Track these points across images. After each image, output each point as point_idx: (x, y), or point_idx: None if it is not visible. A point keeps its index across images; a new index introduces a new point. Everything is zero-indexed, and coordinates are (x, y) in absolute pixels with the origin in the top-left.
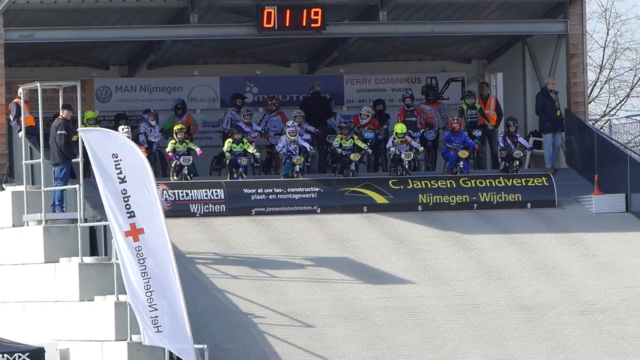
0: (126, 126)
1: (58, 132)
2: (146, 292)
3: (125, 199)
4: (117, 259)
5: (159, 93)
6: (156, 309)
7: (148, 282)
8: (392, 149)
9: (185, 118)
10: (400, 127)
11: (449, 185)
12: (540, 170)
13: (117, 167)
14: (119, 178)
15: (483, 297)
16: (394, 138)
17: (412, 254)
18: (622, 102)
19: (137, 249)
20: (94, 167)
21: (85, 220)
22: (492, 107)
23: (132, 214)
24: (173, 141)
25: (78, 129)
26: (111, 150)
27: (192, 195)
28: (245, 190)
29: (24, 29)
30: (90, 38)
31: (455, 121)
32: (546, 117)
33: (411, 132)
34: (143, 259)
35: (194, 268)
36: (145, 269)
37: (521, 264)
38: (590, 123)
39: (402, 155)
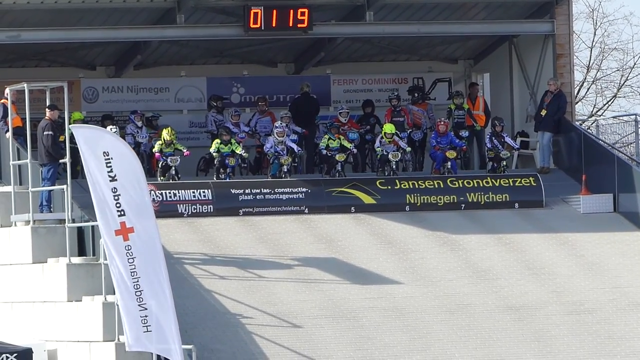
0: (114, 126)
1: (45, 133)
2: (136, 292)
3: (116, 197)
4: (105, 259)
5: (146, 94)
6: (145, 309)
7: (137, 281)
8: (379, 149)
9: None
10: (389, 127)
11: (436, 186)
12: (529, 170)
13: (108, 165)
14: (110, 176)
15: (471, 297)
16: (382, 138)
17: (400, 254)
18: (609, 103)
19: (126, 247)
20: (84, 163)
21: (73, 221)
22: (481, 107)
23: (122, 212)
24: (160, 142)
25: (70, 125)
26: (102, 148)
27: (179, 196)
28: (233, 191)
29: (10, 29)
30: (77, 39)
31: (442, 123)
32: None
33: (398, 133)
34: (133, 258)
35: (182, 268)
36: (134, 268)
37: (509, 264)
38: (578, 123)
39: (390, 156)
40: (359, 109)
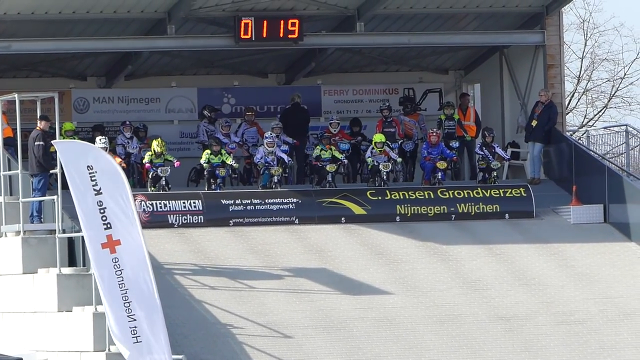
0: (104, 137)
1: (36, 143)
2: (124, 303)
3: (102, 211)
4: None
5: (137, 104)
6: (135, 319)
7: (126, 293)
8: (370, 159)
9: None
10: (379, 137)
11: (427, 196)
12: (520, 180)
13: (92, 178)
14: (95, 190)
15: (461, 307)
16: (373, 148)
17: (391, 265)
18: (600, 113)
19: (113, 260)
20: (68, 179)
21: (64, 231)
22: (472, 118)
23: (108, 225)
24: (150, 153)
25: (53, 141)
26: (86, 162)
27: (170, 206)
28: (224, 201)
29: (1, 40)
30: (68, 49)
31: (434, 134)
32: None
33: (389, 143)
34: (120, 270)
35: (172, 279)
36: (122, 280)
37: (499, 274)
38: (568, 134)
39: (380, 166)
40: (349, 119)
